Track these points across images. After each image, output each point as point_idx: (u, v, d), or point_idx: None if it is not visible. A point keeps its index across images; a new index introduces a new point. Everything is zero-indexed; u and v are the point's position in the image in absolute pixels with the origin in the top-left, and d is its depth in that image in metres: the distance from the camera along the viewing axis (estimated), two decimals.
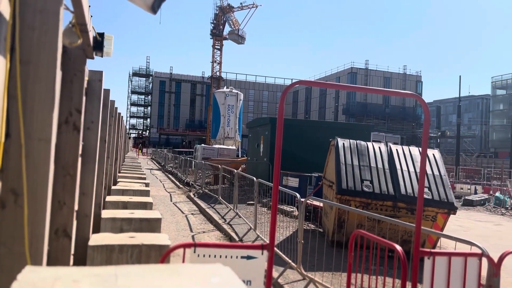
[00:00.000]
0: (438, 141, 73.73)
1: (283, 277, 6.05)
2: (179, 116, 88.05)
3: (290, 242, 7.39)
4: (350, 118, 70.73)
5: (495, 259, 3.46)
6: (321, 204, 9.95)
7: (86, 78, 4.15)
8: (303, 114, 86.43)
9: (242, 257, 2.88)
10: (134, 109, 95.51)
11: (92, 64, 4.67)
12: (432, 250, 3.24)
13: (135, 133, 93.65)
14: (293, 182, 13.69)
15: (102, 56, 3.17)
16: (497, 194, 21.47)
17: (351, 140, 8.94)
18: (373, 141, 11.69)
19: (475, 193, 25.11)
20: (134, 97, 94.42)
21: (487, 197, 21.77)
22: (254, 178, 9.59)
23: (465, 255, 3.35)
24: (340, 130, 16.50)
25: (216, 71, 62.87)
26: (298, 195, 6.81)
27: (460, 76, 40.49)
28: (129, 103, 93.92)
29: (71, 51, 3.09)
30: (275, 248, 6.96)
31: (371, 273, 4.37)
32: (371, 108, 73.05)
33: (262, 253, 2.92)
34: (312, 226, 10.04)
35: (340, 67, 79.10)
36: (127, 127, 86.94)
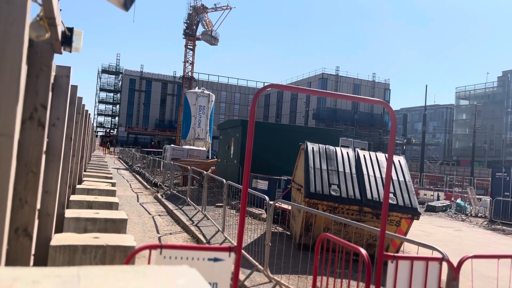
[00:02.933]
0: (404, 148, 75.77)
1: (250, 279, 6.05)
2: (148, 115, 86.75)
3: (257, 244, 7.40)
4: (320, 123, 71.67)
5: (455, 264, 3.59)
6: (290, 207, 10.02)
7: (53, 74, 4.03)
8: (274, 117, 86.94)
9: (209, 259, 2.87)
10: (102, 106, 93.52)
11: (59, 59, 4.53)
12: (396, 254, 3.32)
13: (103, 131, 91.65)
14: (263, 184, 13.73)
15: (70, 52, 3.09)
16: (458, 200, 22.26)
17: (320, 145, 9.06)
18: (342, 146, 11.89)
19: (438, 199, 25.94)
20: (103, 95, 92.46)
21: (449, 203, 22.53)
22: (224, 180, 9.56)
23: (427, 259, 3.45)
24: (310, 134, 16.70)
25: (188, 71, 62.34)
26: (267, 197, 6.84)
27: (426, 86, 41.85)
28: (97, 100, 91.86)
29: (38, 45, 2.99)
30: (243, 251, 6.96)
31: (336, 276, 4.44)
32: (340, 113, 74.31)
33: (230, 255, 2.91)
34: (280, 229, 10.10)
35: (312, 73, 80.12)
36: (95, 125, 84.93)
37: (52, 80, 3.90)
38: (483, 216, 19.91)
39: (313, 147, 8.91)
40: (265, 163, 15.27)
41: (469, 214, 20.26)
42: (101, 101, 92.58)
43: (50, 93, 3.77)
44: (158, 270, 1.46)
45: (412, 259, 3.39)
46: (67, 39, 3.01)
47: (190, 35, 62.08)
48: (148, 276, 1.39)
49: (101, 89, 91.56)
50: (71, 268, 1.40)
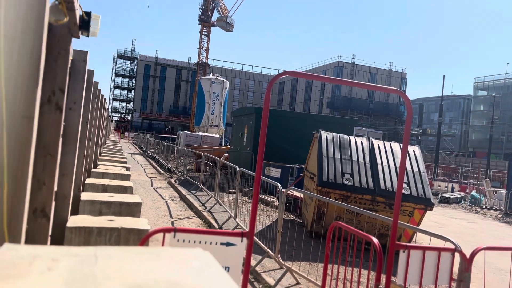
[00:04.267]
0: (419, 138, 74.87)
1: (261, 265, 6.11)
2: (163, 101, 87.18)
3: (269, 231, 7.45)
4: (334, 112, 71.18)
5: (467, 255, 3.57)
6: (302, 195, 10.04)
7: (70, 58, 4.08)
8: (288, 105, 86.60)
9: (221, 244, 2.90)
10: (117, 92, 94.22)
11: (76, 44, 4.57)
12: (408, 244, 3.32)
13: (118, 117, 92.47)
14: (275, 172, 13.76)
15: (88, 36, 3.12)
16: (473, 193, 21.99)
17: (334, 133, 9.02)
18: (356, 135, 11.81)
19: (452, 191, 25.68)
20: (118, 80, 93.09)
21: (463, 195, 22.30)
22: (237, 167, 9.61)
23: (439, 249, 3.44)
24: (324, 123, 16.61)
25: (203, 58, 62.26)
26: (279, 185, 6.86)
27: (444, 76, 41.06)
28: (112, 85, 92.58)
29: (56, 29, 3.02)
30: (254, 237, 7.02)
31: (347, 264, 4.46)
32: (355, 102, 73.63)
33: (242, 240, 2.94)
34: (292, 216, 10.14)
35: (327, 61, 79.34)
36: (110, 110, 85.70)
37: (69, 65, 3.95)
38: (498, 209, 19.66)
39: (327, 136, 8.87)
40: (278, 151, 15.28)
41: (483, 207, 20.03)
42: (116, 86, 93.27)
43: (67, 77, 3.82)
44: (172, 252, 1.49)
45: (424, 249, 3.39)
46: (84, 24, 3.03)
47: (205, 21, 61.84)
48: (162, 258, 1.42)
49: (117, 74, 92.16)
50: (88, 248, 1.44)
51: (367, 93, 74.11)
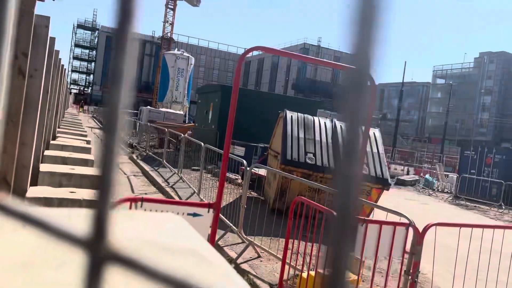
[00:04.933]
0: (379, 122, 77.01)
1: (224, 239, 6.22)
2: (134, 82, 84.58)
3: (232, 207, 7.56)
4: (298, 94, 71.76)
5: (420, 230, 3.80)
6: (265, 174, 10.19)
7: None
8: (254, 85, 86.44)
9: (188, 214, 2.95)
10: (76, 63, 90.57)
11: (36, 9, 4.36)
12: (366, 218, 3.49)
13: (76, 89, 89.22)
14: (239, 151, 13.84)
15: (53, 0, 3.01)
16: (427, 176, 23.06)
17: (299, 114, 9.16)
18: (319, 117, 12.03)
19: (408, 174, 26.80)
20: (78, 51, 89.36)
21: (418, 178, 23.33)
22: (202, 143, 9.61)
23: (394, 224, 3.64)
24: (289, 103, 16.75)
25: (168, 32, 60.68)
26: (244, 161, 6.94)
27: (405, 62, 42.25)
28: (71, 56, 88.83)
29: None
30: None
31: (308, 240, 4.62)
32: (319, 85, 74.48)
33: (208, 211, 3.00)
34: (255, 194, 10.29)
35: (293, 42, 79.48)
36: (68, 81, 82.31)
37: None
38: (449, 192, 20.74)
39: (292, 116, 9.00)
40: (243, 129, 15.32)
41: (436, 190, 21.07)
42: (75, 58, 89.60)
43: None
44: (146, 214, 1.52)
45: (380, 223, 3.58)
46: None
47: None
48: (136, 219, 1.45)
49: (76, 45, 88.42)
50: (62, 209, 1.45)
51: (331, 76, 75.10)
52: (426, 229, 3.77)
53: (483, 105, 71.22)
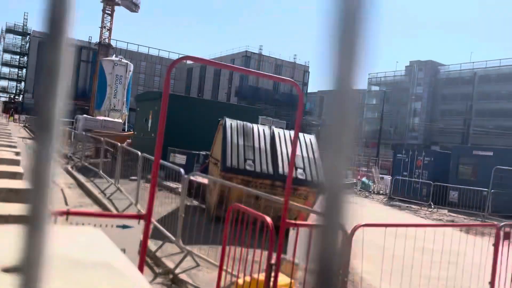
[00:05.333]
0: (319, 128, 79.38)
1: (162, 250, 6.13)
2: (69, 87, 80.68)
3: (172, 217, 7.46)
4: (242, 101, 72.24)
5: (349, 232, 3.99)
6: (207, 182, 10.16)
7: None
8: (197, 92, 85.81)
9: (117, 226, 2.90)
10: (5, 69, 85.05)
11: None
12: (297, 222, 3.62)
13: (6, 97, 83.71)
14: (181, 159, 13.69)
15: None
16: (364, 179, 24.10)
17: (238, 121, 9.26)
18: (261, 124, 12.23)
19: (346, 177, 27.80)
20: (7, 57, 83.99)
21: (355, 181, 24.30)
22: (139, 153, 9.41)
23: None
24: (230, 111, 16.84)
25: (105, 38, 58.72)
26: (182, 170, 6.90)
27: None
28: (0, 63, 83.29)
29: None
30: (156, 222, 6.99)
31: (245, 245, 4.69)
32: (262, 92, 75.49)
33: (139, 223, 2.97)
34: (196, 202, 10.22)
35: (235, 50, 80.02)
36: None
37: None
38: (384, 193, 21.82)
39: (231, 123, 9.08)
40: (184, 137, 15.18)
41: (372, 191, 22.07)
42: (4, 64, 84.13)
43: None
44: (61, 229, 1.49)
45: (311, 226, 3.72)
46: None
47: None
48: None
49: (5, 51, 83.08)
50: None
51: (273, 84, 76.38)
52: (354, 230, 3.97)
53: (414, 111, 75.73)
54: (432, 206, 17.54)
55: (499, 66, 66.37)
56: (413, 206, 17.74)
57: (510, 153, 21.19)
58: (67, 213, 2.71)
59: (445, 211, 16.83)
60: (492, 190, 15.53)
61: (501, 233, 5.36)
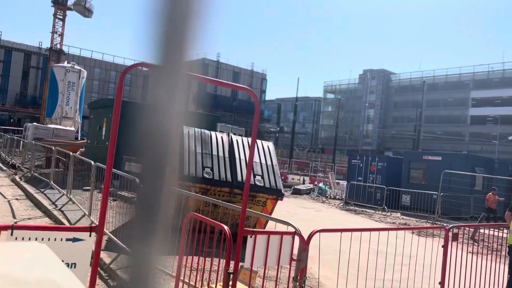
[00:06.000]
0: (277, 135, 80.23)
1: (117, 262, 5.94)
2: (7, 89, 76.82)
3: (127, 228, 7.25)
4: (199, 108, 71.73)
5: (305, 237, 4.04)
6: None
7: None
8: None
9: (67, 240, 2.78)
10: None
11: None
12: (255, 230, 3.62)
13: None
14: (136, 167, 13.35)
15: None
16: (320, 184, 24.53)
17: (196, 129, 9.18)
18: (220, 131, 12.18)
19: (304, 183, 28.21)
20: None
21: (313, 187, 24.69)
22: (92, 162, 9.10)
23: (281, 233, 3.82)
24: (188, 118, 16.67)
25: (57, 44, 56.61)
26: (137, 179, 6.72)
27: (298, 78, 44.93)
28: None
29: None
30: (110, 234, 6.77)
31: (202, 254, 4.63)
32: (220, 100, 75.37)
33: (90, 235, 2.86)
34: None
35: (193, 57, 79.44)
36: None
37: None
38: (340, 198, 22.30)
39: (188, 131, 8.98)
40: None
41: (329, 197, 22.50)
42: None
43: None
44: (3, 245, 1.40)
45: (269, 233, 3.73)
46: None
47: (60, 3, 56.33)
48: None
49: None
50: None
51: (232, 91, 76.49)
52: (310, 236, 4.02)
53: (368, 118, 78.18)
54: (386, 210, 18.11)
55: (446, 75, 70.04)
56: (368, 210, 18.23)
57: (458, 157, 22.33)
58: (12, 228, 2.57)
59: (398, 214, 17.42)
60: (441, 194, 16.24)
61: (450, 235, 5.61)
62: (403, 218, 16.65)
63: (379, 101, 76.79)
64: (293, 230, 3.97)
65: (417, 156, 22.94)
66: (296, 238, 3.92)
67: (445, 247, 5.51)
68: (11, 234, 2.59)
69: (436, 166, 18.67)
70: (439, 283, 5.47)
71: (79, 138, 30.65)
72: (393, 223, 15.28)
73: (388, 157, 27.74)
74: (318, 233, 4.19)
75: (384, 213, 17.67)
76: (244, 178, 8.24)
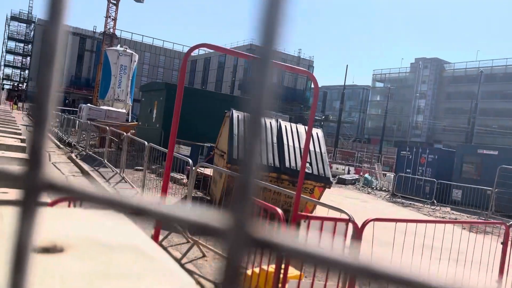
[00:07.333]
0: (322, 123, 79.31)
1: (168, 240, 6.13)
2: (63, 72, 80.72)
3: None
4: (245, 94, 71.97)
5: (359, 225, 3.97)
6: (211, 174, 10.15)
7: None
8: (200, 84, 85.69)
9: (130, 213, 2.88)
10: (10, 57, 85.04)
11: None
12: (308, 214, 3.60)
13: (10, 85, 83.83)
14: (185, 150, 13.68)
15: None
16: (366, 175, 24.06)
17: (245, 113, 9.21)
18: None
19: (348, 173, 27.79)
20: (11, 44, 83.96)
21: (358, 177, 24.27)
22: (146, 142, 9.40)
23: (335, 220, 3.78)
24: (235, 103, 16.80)
25: (110, 28, 58.57)
26: (190, 160, 6.88)
27: (347, 66, 43.96)
28: (4, 50, 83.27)
29: None
30: None
31: None
32: None
33: None
34: (200, 194, 10.22)
35: (240, 43, 79.70)
36: (1, 76, 77.21)
37: None
38: (387, 190, 21.78)
39: (238, 115, 9.04)
40: (189, 129, 15.12)
41: (375, 188, 22.04)
42: (9, 51, 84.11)
43: None
44: (85, 212, 1.47)
45: (322, 219, 3.69)
46: None
47: None
48: (75, 217, 1.40)
49: (10, 38, 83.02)
50: None
51: (277, 78, 76.14)
52: (364, 224, 3.95)
53: (418, 108, 75.49)
54: (435, 204, 17.51)
55: (505, 65, 66.02)
56: (415, 203, 17.71)
57: None
58: (81, 199, 2.68)
59: (448, 209, 16.80)
60: (496, 189, 15.48)
61: (511, 231, 5.33)
62: (453, 213, 16.04)
63: (431, 92, 73.87)
64: (346, 217, 3.91)
65: (471, 149, 21.91)
66: (350, 225, 3.87)
67: (505, 243, 5.25)
68: (81, 205, 2.71)
69: (492, 160, 17.76)
70: (496, 281, 5.24)
71: (129, 120, 31.75)
72: (442, 217, 14.75)
73: (439, 149, 26.67)
74: (371, 224, 4.11)
75: (433, 207, 17.10)
76: (293, 164, 8.22)
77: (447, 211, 16.42)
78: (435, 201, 17.72)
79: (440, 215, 15.36)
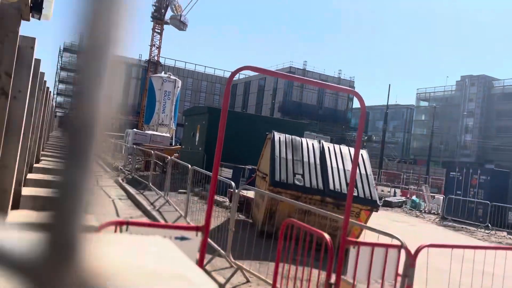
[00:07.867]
0: (364, 144, 77.68)
1: (211, 264, 6.07)
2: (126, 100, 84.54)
3: (220, 231, 7.41)
4: (285, 116, 72.18)
5: (412, 252, 3.74)
6: (253, 197, 10.08)
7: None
8: (241, 108, 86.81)
9: (176, 238, 2.85)
10: (62, 86, 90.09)
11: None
12: (358, 240, 3.43)
13: (62, 112, 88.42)
14: (227, 173, 13.73)
15: (39, 19, 2.96)
16: (414, 197, 23.13)
17: (286, 135, 9.15)
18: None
19: (394, 195, 26.85)
20: (64, 74, 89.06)
21: (405, 200, 23.38)
22: (189, 165, 9.50)
23: (387, 246, 3.58)
24: (276, 125, 16.79)
25: (154, 55, 60.98)
26: (233, 183, 6.86)
27: (389, 85, 43.09)
28: (57, 79, 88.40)
29: (5, 9, 2.84)
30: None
31: (298, 263, 4.52)
32: (305, 108, 75.16)
33: (197, 235, 2.91)
34: (242, 217, 10.15)
35: (279, 66, 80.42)
36: (54, 104, 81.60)
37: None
38: (436, 213, 20.80)
39: (279, 137, 8.99)
40: (230, 151, 15.21)
41: (423, 211, 21.11)
42: (61, 81, 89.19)
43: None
44: (131, 238, 1.44)
45: (373, 245, 3.51)
46: (37, 5, 2.87)
47: (158, 18, 60.60)
48: (122, 243, 1.37)
49: (62, 68, 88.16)
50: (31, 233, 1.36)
51: (317, 99, 75.99)
52: (418, 250, 3.72)
53: (466, 127, 72.51)
54: (490, 228, 16.48)
55: None
56: (468, 227, 16.75)
57: None
58: (127, 223, 2.69)
59: (504, 234, 15.75)
60: None
61: None
62: (510, 238, 15.02)
63: (479, 110, 70.88)
64: (398, 243, 3.70)
65: None
66: (402, 251, 3.65)
67: None
68: (126, 230, 2.71)
69: None
70: None
71: (173, 145, 32.49)
72: (499, 242, 13.84)
73: (492, 169, 25.30)
74: (424, 251, 3.87)
75: (487, 231, 16.10)
76: (337, 186, 8.00)
77: (504, 236, 15.39)
78: (489, 225, 16.69)
79: (495, 240, 14.42)
